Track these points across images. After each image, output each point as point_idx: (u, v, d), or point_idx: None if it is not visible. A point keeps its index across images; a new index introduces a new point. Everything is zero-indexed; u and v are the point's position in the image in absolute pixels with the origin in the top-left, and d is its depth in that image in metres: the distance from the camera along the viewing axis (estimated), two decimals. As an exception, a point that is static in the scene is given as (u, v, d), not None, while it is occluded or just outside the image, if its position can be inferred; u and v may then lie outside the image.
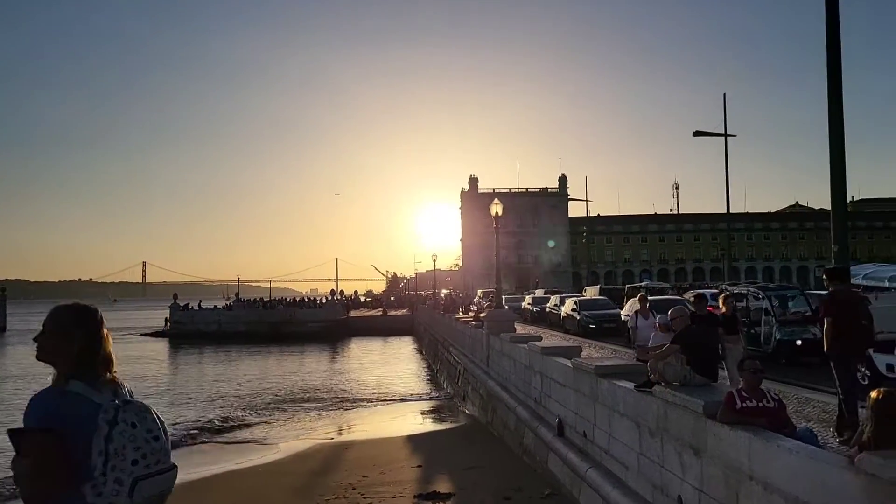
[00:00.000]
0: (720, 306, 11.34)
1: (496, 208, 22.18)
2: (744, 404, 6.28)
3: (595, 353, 18.59)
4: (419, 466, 15.10)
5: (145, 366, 44.79)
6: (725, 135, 35.12)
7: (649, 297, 25.78)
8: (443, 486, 12.87)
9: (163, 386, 34.72)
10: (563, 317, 31.64)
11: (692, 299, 10.98)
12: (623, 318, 24.99)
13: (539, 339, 17.21)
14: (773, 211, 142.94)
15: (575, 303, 31.06)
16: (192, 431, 22.02)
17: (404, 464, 15.56)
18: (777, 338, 16.15)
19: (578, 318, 29.07)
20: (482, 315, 22.20)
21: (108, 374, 2.49)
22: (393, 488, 13.11)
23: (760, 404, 6.26)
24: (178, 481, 10.10)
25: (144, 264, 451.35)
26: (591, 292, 42.53)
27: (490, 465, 14.52)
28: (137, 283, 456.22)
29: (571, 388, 11.52)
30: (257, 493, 14.01)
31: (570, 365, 11.69)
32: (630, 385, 9.00)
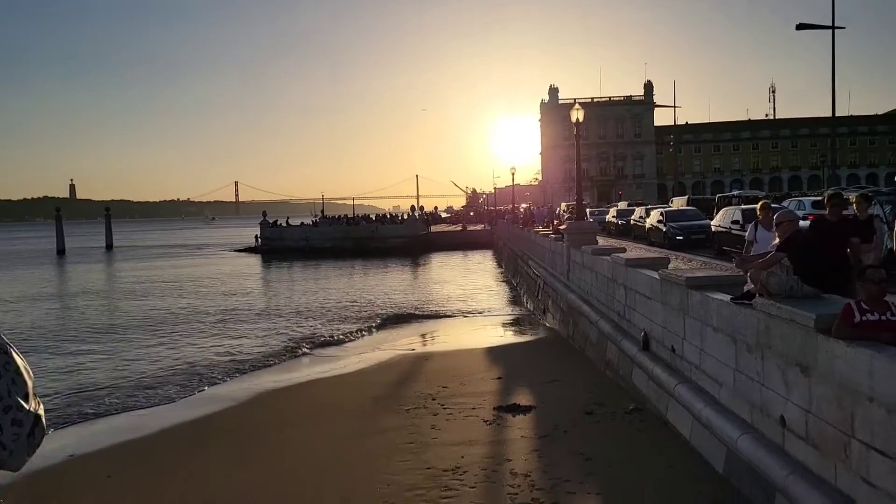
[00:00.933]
0: (854, 210, 9.33)
1: (577, 114, 20.99)
2: (864, 317, 5.54)
3: (683, 265, 17.67)
4: (499, 378, 14.98)
5: (240, 281, 46.72)
6: (833, 27, 31.88)
7: (744, 206, 24.40)
8: (523, 399, 12.68)
9: (255, 300, 36.11)
10: (649, 229, 30.38)
11: (828, 200, 8.56)
12: (714, 229, 23.71)
13: (623, 251, 16.41)
14: (879, 113, 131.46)
15: (661, 214, 29.67)
16: (280, 343, 22.78)
17: (484, 375, 15.48)
18: (889, 246, 14.74)
19: (664, 229, 27.80)
20: (562, 228, 21.47)
21: None
22: (473, 399, 13.03)
23: (884, 317, 5.50)
24: (263, 389, 10.19)
25: (236, 184, 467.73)
26: (679, 203, 40.69)
27: (571, 378, 14.21)
28: (231, 201, 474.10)
29: (658, 300, 10.87)
30: (339, 401, 14.28)
31: (657, 277, 10.99)
32: (725, 297, 8.30)
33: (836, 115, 37.29)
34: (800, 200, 28.84)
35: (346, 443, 11.15)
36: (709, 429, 8.29)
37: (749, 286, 7.71)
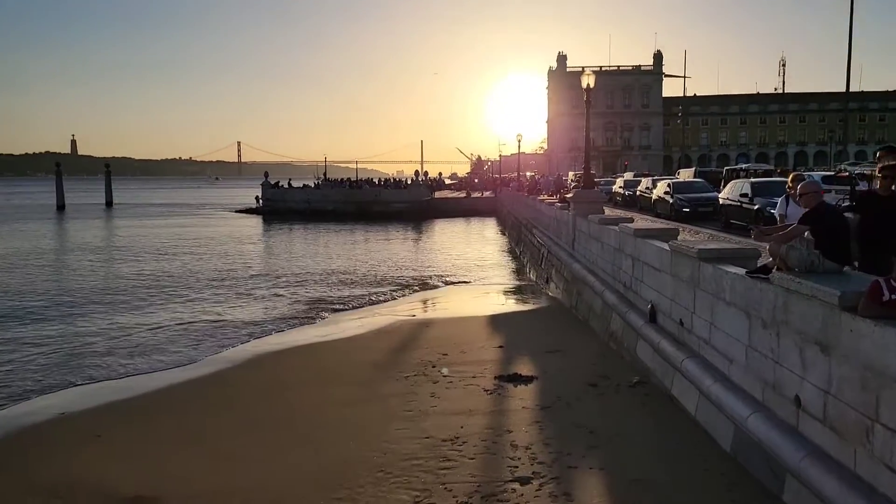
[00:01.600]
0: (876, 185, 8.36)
1: (588, 79, 20.43)
2: (893, 296, 5.22)
3: (690, 237, 17.32)
4: (500, 347, 14.75)
5: (239, 243, 46.45)
6: (853, -3, 31.10)
7: (753, 179, 23.93)
8: (525, 369, 12.45)
9: (254, 262, 35.84)
10: (655, 200, 29.95)
11: (880, 170, 7.42)
12: (722, 202, 23.30)
13: (630, 221, 16.11)
14: (891, 90, 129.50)
15: (668, 185, 29.20)
16: (277, 306, 22.56)
17: (485, 344, 15.25)
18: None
19: (671, 201, 27.39)
20: (569, 196, 21.06)
21: None
22: (473, 368, 12.81)
23: (915, 297, 5.17)
24: (261, 352, 9.86)
25: (239, 144, 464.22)
26: (685, 175, 40.21)
27: (574, 349, 13.97)
28: (233, 162, 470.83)
29: (668, 272, 10.55)
30: (337, 366, 14.07)
31: (667, 248, 10.66)
32: (740, 270, 7.98)
33: (845, 90, 36.48)
34: (809, 175, 28.34)
35: (343, 409, 10.94)
36: (717, 406, 8.04)
37: (766, 260, 7.38)
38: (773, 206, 19.85)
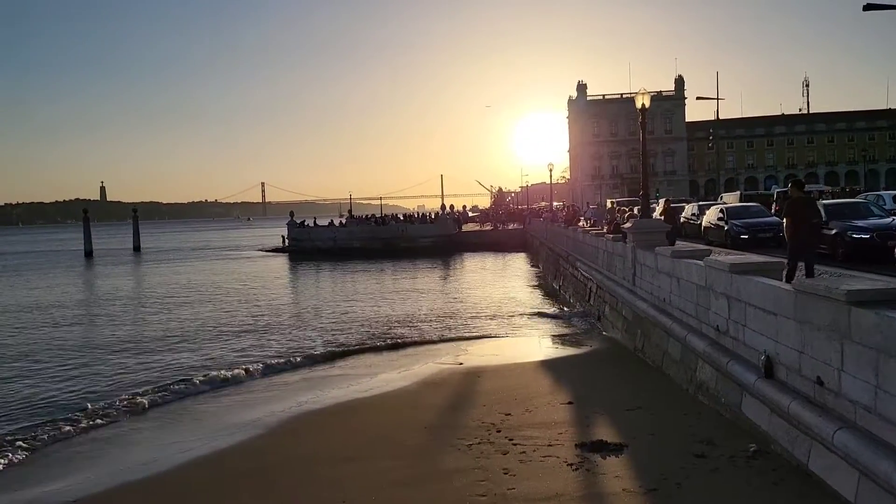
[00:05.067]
0: None
1: (642, 99, 18.79)
2: None
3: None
4: (569, 403, 12.88)
5: (267, 285, 45.16)
6: (905, 7, 29.32)
7: (826, 202, 21.97)
8: (608, 433, 10.58)
9: (284, 306, 34.43)
10: (706, 227, 28.11)
11: None
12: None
13: (708, 252, 14.31)
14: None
15: (720, 211, 27.37)
16: (312, 356, 20.91)
17: (550, 399, 13.41)
18: None
19: (726, 227, 25.54)
20: (627, 226, 19.28)
21: None
22: (546, 432, 10.95)
23: None
24: (295, 413, 7.44)
25: (263, 185, 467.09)
26: (730, 199, 38.44)
27: (657, 405, 12.07)
28: (258, 202, 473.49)
29: (789, 317, 8.69)
30: (384, 430, 12.26)
31: (787, 288, 8.84)
32: (924, 320, 6.14)
33: (875, 108, 34.37)
34: (878, 195, 26.32)
35: (401, 491, 9.16)
36: (904, 498, 6.15)
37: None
38: (853, 229, 18.14)
